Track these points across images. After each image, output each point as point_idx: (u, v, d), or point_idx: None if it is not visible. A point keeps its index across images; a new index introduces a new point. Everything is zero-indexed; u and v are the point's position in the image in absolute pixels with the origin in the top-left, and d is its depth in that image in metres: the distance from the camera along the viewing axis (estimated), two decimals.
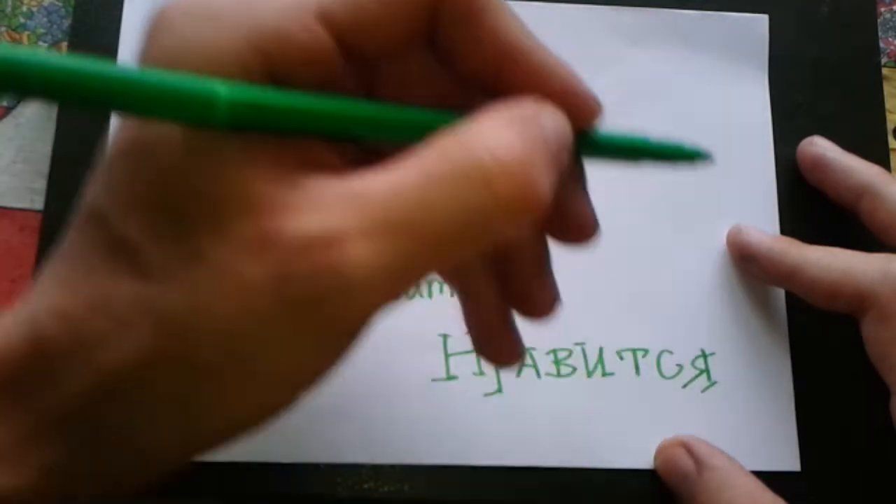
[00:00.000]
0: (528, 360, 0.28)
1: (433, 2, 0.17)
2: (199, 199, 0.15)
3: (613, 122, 0.29)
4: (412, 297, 0.29)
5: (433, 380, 0.28)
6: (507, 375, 0.28)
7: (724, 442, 0.28)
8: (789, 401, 0.29)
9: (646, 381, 0.28)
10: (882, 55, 0.32)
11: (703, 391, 0.28)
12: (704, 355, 0.29)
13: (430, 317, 0.28)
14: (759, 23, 0.32)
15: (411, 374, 0.28)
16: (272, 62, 0.15)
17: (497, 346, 0.23)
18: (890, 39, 0.33)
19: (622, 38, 0.32)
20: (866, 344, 0.26)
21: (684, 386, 0.28)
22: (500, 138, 0.16)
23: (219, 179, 0.15)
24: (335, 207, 0.15)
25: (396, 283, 0.15)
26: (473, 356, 0.28)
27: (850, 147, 0.32)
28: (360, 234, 0.14)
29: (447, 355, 0.28)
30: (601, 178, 0.29)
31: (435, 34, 0.18)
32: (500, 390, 0.28)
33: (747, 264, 0.29)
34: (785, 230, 0.30)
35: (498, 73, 0.18)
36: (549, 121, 0.17)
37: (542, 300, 0.22)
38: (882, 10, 0.33)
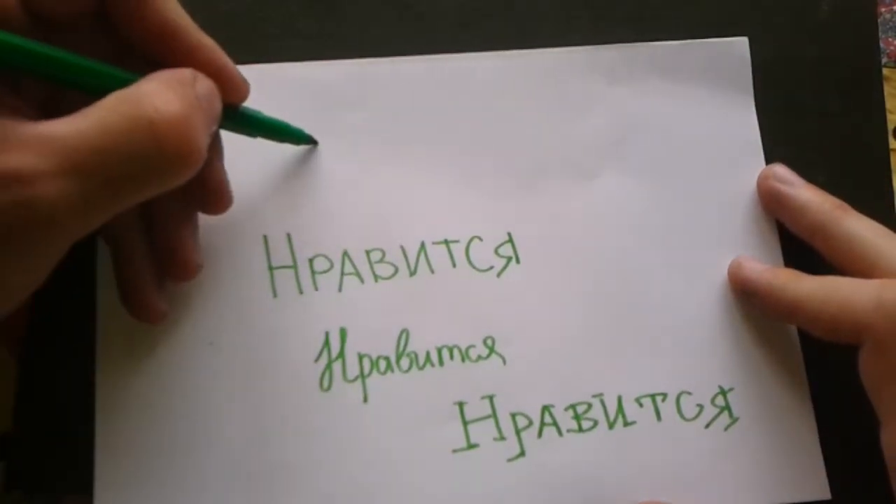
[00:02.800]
0: (549, 419, 0.28)
1: None
2: None
3: (603, 161, 0.28)
4: (423, 367, 0.28)
5: (454, 451, 0.27)
6: (530, 437, 0.28)
7: (752, 477, 0.28)
8: (812, 428, 0.28)
9: (668, 425, 0.28)
10: (882, 55, 0.31)
11: (726, 429, 0.28)
12: (723, 392, 0.28)
13: (444, 386, 0.28)
14: (740, 46, 0.31)
15: (431, 448, 0.27)
16: None
17: (139, 302, 0.25)
18: (890, 39, 0.32)
19: (603, 76, 0.30)
20: (862, 375, 0.26)
21: (707, 426, 0.28)
22: (163, 96, 0.19)
23: None
24: (29, 148, 0.17)
25: (82, 218, 0.18)
26: (493, 422, 0.28)
27: (851, 147, 0.31)
28: (50, 174, 0.17)
29: (465, 423, 0.28)
30: (600, 221, 0.28)
31: (104, 7, 0.21)
32: (522, 454, 0.27)
33: (749, 299, 0.29)
34: (787, 250, 0.30)
35: (159, 49, 0.22)
36: (203, 88, 0.21)
37: (183, 261, 0.25)
38: (882, 10, 0.31)
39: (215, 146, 0.25)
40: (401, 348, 0.28)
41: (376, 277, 0.28)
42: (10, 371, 0.27)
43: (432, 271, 0.28)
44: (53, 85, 0.21)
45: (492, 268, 0.29)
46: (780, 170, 0.30)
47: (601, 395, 0.28)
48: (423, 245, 0.29)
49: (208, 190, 0.25)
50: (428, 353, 0.28)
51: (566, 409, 0.28)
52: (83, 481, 0.26)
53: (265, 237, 0.28)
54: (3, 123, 0.17)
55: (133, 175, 0.19)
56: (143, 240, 0.25)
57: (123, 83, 0.20)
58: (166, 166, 0.19)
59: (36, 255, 0.18)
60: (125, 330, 0.27)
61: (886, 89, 0.31)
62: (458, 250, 0.29)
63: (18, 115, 0.18)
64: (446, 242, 0.29)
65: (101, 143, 0.18)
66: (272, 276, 0.28)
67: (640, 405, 0.28)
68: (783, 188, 0.29)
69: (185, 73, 0.21)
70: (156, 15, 0.22)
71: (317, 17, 0.30)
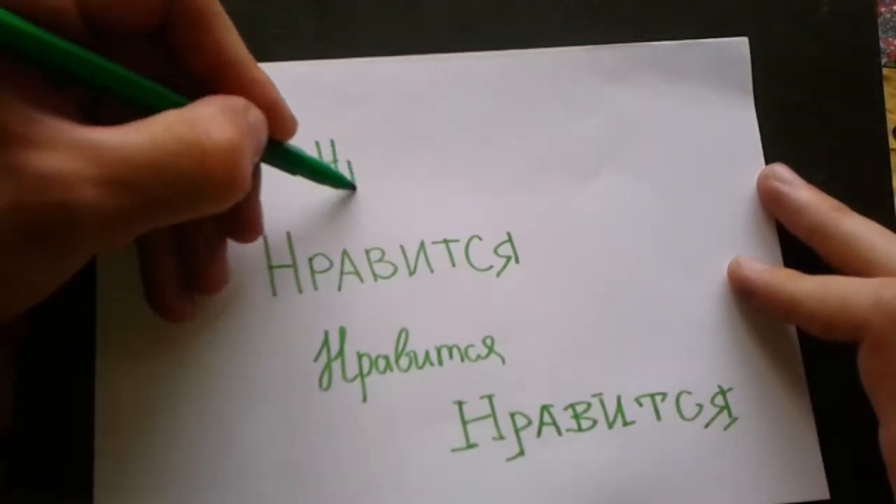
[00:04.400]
0: (548, 418, 0.28)
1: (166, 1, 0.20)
2: None
3: (602, 160, 0.29)
4: (422, 366, 0.28)
5: (453, 450, 0.27)
6: (529, 437, 0.28)
7: (750, 477, 0.28)
8: (811, 428, 0.28)
9: (668, 425, 0.28)
10: (882, 55, 0.31)
11: (725, 429, 0.28)
12: (723, 392, 0.28)
13: (443, 385, 0.28)
14: (740, 46, 0.31)
15: (430, 447, 0.27)
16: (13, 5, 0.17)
17: (165, 305, 0.26)
18: (890, 39, 0.32)
19: (603, 76, 0.30)
20: (860, 373, 0.26)
21: (706, 426, 0.28)
22: (217, 123, 0.19)
23: None
24: (74, 151, 0.17)
25: (116, 230, 0.18)
26: (492, 421, 0.28)
27: (851, 147, 0.31)
28: (92, 181, 0.17)
29: (464, 422, 0.28)
30: (599, 221, 0.28)
31: (166, 30, 0.21)
32: (522, 453, 0.27)
33: (748, 299, 0.29)
34: (787, 251, 0.30)
35: (214, 78, 0.22)
36: (253, 117, 0.21)
37: (210, 280, 0.26)
38: (882, 10, 0.31)
39: (254, 179, 0.24)
40: (400, 347, 0.28)
41: (376, 277, 0.28)
42: (10, 371, 0.27)
43: (432, 271, 0.28)
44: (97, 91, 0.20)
45: (491, 267, 0.29)
46: (780, 169, 0.30)
47: (600, 394, 0.28)
48: (422, 244, 0.29)
49: (241, 220, 0.25)
50: (427, 353, 0.28)
51: (565, 409, 0.28)
52: (83, 481, 0.26)
53: (264, 236, 0.28)
54: (47, 122, 0.17)
55: (175, 197, 0.18)
56: (172, 251, 0.25)
57: (174, 104, 0.20)
58: (210, 193, 0.19)
59: (62, 259, 0.18)
60: (125, 330, 0.27)
61: (886, 89, 0.31)
62: (457, 250, 0.29)
63: (63, 115, 0.18)
64: (446, 242, 0.29)
65: (150, 160, 0.18)
66: (272, 275, 0.28)
67: (640, 405, 0.28)
68: (783, 188, 0.29)
69: (239, 101, 0.21)
70: (216, 46, 0.21)
71: (317, 17, 0.30)
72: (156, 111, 0.19)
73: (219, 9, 0.21)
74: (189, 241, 0.25)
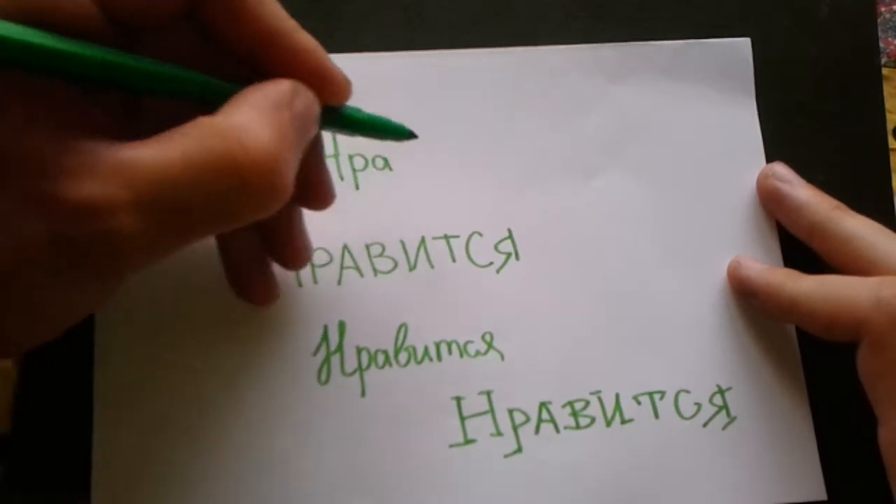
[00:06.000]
0: (546, 415, 0.28)
1: None
2: None
3: (603, 159, 0.29)
4: (421, 361, 0.28)
5: (451, 445, 0.27)
6: (527, 433, 0.28)
7: (748, 476, 0.28)
8: (809, 428, 0.28)
9: (666, 424, 0.28)
10: (882, 55, 0.31)
11: (723, 428, 0.28)
12: (721, 391, 0.28)
13: (442, 380, 0.28)
14: (742, 47, 0.31)
15: (428, 443, 0.27)
16: (36, 21, 0.17)
17: (251, 288, 0.26)
18: (890, 39, 0.32)
19: (604, 75, 0.30)
20: (860, 373, 0.26)
21: (704, 425, 0.28)
22: (252, 131, 0.18)
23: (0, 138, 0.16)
24: (108, 176, 0.16)
25: (154, 252, 0.18)
26: (490, 417, 0.28)
27: (851, 147, 0.31)
28: (128, 207, 0.16)
29: (463, 418, 0.28)
30: (600, 219, 0.28)
31: (197, 10, 0.19)
32: (519, 450, 0.27)
33: (748, 299, 0.29)
34: (787, 251, 0.30)
35: (258, 52, 0.20)
36: (302, 103, 0.20)
37: (294, 253, 0.25)
38: (882, 10, 0.32)
39: (315, 147, 0.24)
40: (399, 342, 0.28)
41: (376, 271, 0.28)
42: (11, 371, 0.27)
43: (432, 266, 0.29)
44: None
45: (491, 263, 0.29)
46: (780, 168, 0.30)
47: (599, 392, 0.28)
48: (422, 240, 0.29)
49: (312, 189, 0.24)
50: (426, 348, 0.28)
51: (564, 406, 0.28)
52: (83, 481, 0.26)
53: None
54: (80, 148, 0.17)
55: (213, 212, 0.18)
56: (249, 233, 0.24)
57: (218, 91, 0.19)
58: (250, 205, 0.18)
59: (101, 284, 0.18)
60: (124, 330, 0.27)
61: (886, 89, 0.31)
62: (457, 246, 0.29)
63: (94, 128, 0.17)
64: (446, 238, 0.29)
65: (184, 178, 0.17)
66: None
67: (638, 403, 0.28)
68: (782, 187, 0.29)
69: (285, 90, 0.20)
70: (252, 16, 0.20)
71: (317, 17, 0.30)
72: (200, 102, 0.19)
73: None
74: (266, 220, 0.24)
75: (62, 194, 0.16)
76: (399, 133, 0.26)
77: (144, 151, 0.17)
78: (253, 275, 0.25)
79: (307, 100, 0.20)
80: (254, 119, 0.18)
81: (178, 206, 0.17)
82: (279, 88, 0.19)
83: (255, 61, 0.20)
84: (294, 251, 0.25)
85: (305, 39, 0.21)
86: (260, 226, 0.24)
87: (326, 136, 0.29)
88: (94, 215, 0.16)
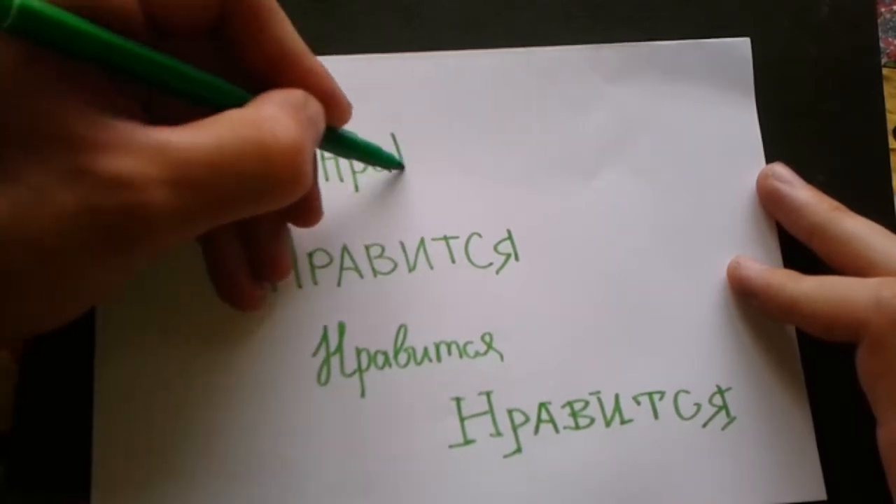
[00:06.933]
0: (545, 416, 0.28)
1: None
2: (18, 128, 0.17)
3: (603, 160, 0.28)
4: (420, 362, 0.28)
5: (451, 446, 0.27)
6: (526, 434, 0.28)
7: (748, 477, 0.28)
8: (809, 428, 0.28)
9: (665, 424, 0.28)
10: (882, 55, 0.31)
11: (723, 428, 0.28)
12: (721, 391, 0.28)
13: (441, 381, 0.28)
14: (742, 47, 0.31)
15: (428, 443, 0.27)
16: (84, 12, 0.17)
17: (236, 295, 0.26)
18: (890, 39, 0.32)
19: (604, 75, 0.30)
20: (859, 373, 0.26)
21: (704, 425, 0.28)
22: (280, 121, 0.19)
23: (37, 113, 0.17)
24: (142, 153, 0.17)
25: (181, 230, 0.18)
26: (489, 418, 0.28)
27: (851, 147, 0.31)
28: (161, 182, 0.17)
29: (462, 419, 0.28)
30: (599, 220, 0.27)
31: (223, 27, 0.21)
32: (519, 450, 0.27)
33: (748, 299, 0.29)
34: (787, 251, 0.30)
35: (272, 70, 0.22)
36: (312, 110, 0.22)
37: (276, 266, 0.26)
38: (882, 10, 0.31)
39: (315, 164, 0.25)
40: (399, 343, 0.28)
41: (375, 272, 0.28)
42: (11, 370, 0.27)
43: (431, 267, 0.29)
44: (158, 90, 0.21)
45: (491, 264, 0.29)
46: (780, 169, 0.30)
47: (598, 392, 0.28)
48: (422, 241, 0.29)
49: (303, 207, 0.25)
50: (426, 349, 0.28)
51: (563, 407, 0.28)
52: (83, 481, 0.26)
53: None
54: (116, 125, 0.18)
55: (240, 195, 0.19)
56: (235, 241, 0.25)
57: (235, 99, 0.20)
58: (275, 190, 0.19)
59: (130, 258, 0.18)
60: (123, 330, 0.27)
61: (886, 89, 0.31)
62: (457, 246, 0.29)
63: (128, 115, 0.18)
64: (446, 239, 0.29)
65: (216, 161, 0.18)
66: None
67: (638, 403, 0.28)
68: (782, 187, 0.29)
69: (298, 96, 0.21)
70: (273, 38, 0.22)
71: (317, 18, 0.30)
72: (217, 107, 0.20)
73: (274, 4, 0.22)
74: (253, 230, 0.25)
75: (97, 167, 0.17)
76: (390, 162, 0.28)
77: (178, 134, 0.18)
78: (237, 283, 0.26)
79: (317, 108, 0.22)
80: (281, 114, 0.20)
81: (209, 187, 0.18)
82: (295, 93, 0.21)
83: (269, 78, 0.22)
84: (278, 264, 0.26)
85: (316, 63, 0.23)
86: (248, 236, 0.25)
87: None
88: (127, 188, 0.17)
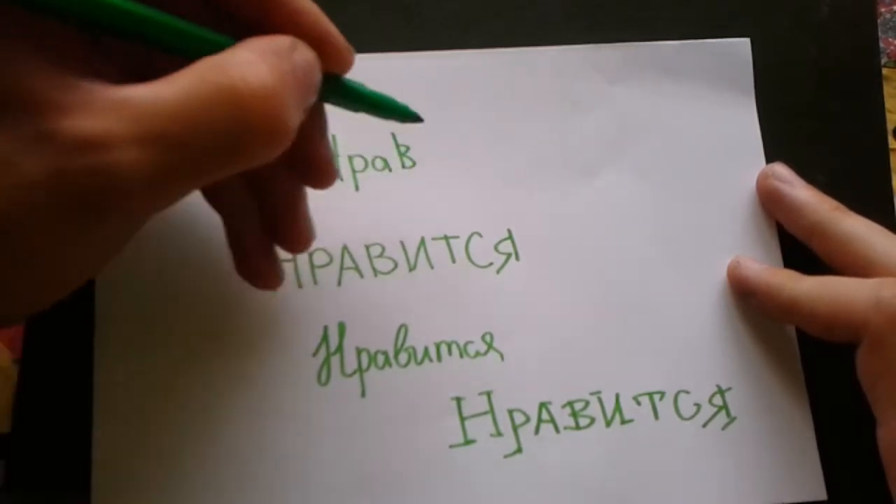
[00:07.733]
0: (546, 416, 0.28)
1: None
2: None
3: (603, 159, 0.28)
4: (421, 362, 0.28)
5: (451, 446, 0.27)
6: (527, 434, 0.28)
7: (748, 477, 0.28)
8: (809, 428, 0.28)
9: (665, 424, 0.28)
10: (882, 55, 0.31)
11: (723, 428, 0.28)
12: (721, 391, 0.28)
13: (441, 381, 0.28)
14: (742, 47, 0.31)
15: (428, 443, 0.27)
16: None
17: (255, 269, 0.25)
18: (890, 39, 0.32)
19: (604, 75, 0.30)
20: (859, 373, 0.26)
21: (704, 425, 0.28)
22: (253, 67, 0.18)
23: None
24: (107, 112, 0.16)
25: (159, 190, 0.17)
26: (490, 418, 0.28)
27: (850, 147, 0.31)
28: (128, 141, 0.16)
29: (463, 419, 0.28)
30: (600, 220, 0.27)
31: None
32: (519, 450, 0.27)
33: (747, 299, 0.29)
34: (787, 252, 0.30)
35: (258, 13, 0.20)
36: (301, 58, 0.19)
37: (296, 235, 0.25)
38: (882, 10, 0.32)
39: (317, 121, 0.23)
40: (399, 343, 0.28)
41: (376, 272, 0.28)
42: (11, 371, 0.27)
43: (432, 267, 0.29)
44: (143, 49, 0.19)
45: (491, 264, 0.29)
46: (780, 168, 0.30)
47: (599, 392, 0.28)
48: (422, 240, 0.29)
49: (312, 166, 0.24)
50: (426, 349, 0.28)
51: (563, 407, 0.28)
52: (83, 481, 0.26)
53: None
54: (80, 86, 0.16)
55: (216, 149, 0.17)
56: (254, 211, 0.24)
57: (217, 47, 0.19)
58: (251, 142, 0.18)
59: (111, 227, 0.17)
60: (123, 328, 0.27)
61: (886, 89, 0.31)
62: (457, 246, 0.29)
63: (102, 79, 0.17)
64: (446, 238, 0.29)
65: (183, 112, 0.17)
66: None
67: (638, 403, 0.28)
68: (782, 187, 0.29)
69: (283, 41, 0.19)
70: None
71: None
72: (199, 55, 0.18)
73: None
74: (268, 196, 0.24)
75: (60, 130, 0.16)
76: (403, 113, 0.25)
77: (143, 89, 0.17)
78: (259, 257, 0.25)
79: (307, 56, 0.20)
80: (255, 59, 0.18)
81: (179, 141, 0.16)
82: (280, 39, 0.19)
83: (257, 23, 0.20)
84: (297, 232, 0.25)
85: (307, 3, 0.21)
86: (265, 204, 0.24)
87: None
88: (93, 149, 0.16)
